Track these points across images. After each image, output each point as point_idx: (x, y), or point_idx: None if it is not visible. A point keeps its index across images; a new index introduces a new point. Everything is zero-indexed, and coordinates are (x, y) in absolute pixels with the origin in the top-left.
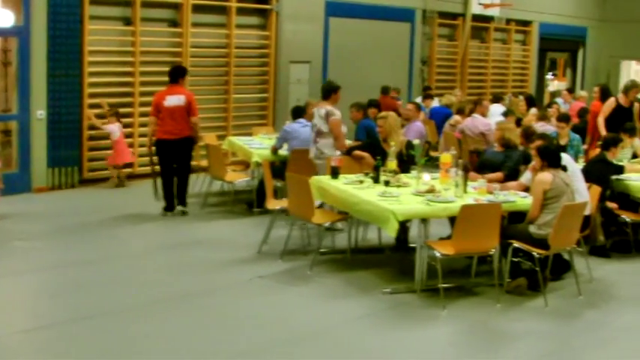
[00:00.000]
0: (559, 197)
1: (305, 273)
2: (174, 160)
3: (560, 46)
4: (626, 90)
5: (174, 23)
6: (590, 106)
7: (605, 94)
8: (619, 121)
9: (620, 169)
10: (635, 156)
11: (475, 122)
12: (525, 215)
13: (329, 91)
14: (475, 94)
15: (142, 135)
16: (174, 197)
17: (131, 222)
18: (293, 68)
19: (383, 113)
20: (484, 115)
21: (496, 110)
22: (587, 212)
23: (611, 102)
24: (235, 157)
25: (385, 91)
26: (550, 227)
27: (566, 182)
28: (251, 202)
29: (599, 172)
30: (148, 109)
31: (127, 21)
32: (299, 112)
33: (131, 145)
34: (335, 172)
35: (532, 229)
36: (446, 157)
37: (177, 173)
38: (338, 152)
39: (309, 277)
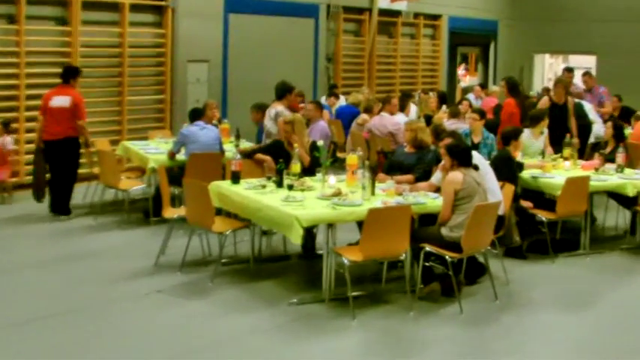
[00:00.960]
0: (471, 197)
1: (206, 285)
2: (58, 163)
3: (472, 40)
4: (554, 86)
5: (62, 21)
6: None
7: (512, 87)
8: (556, 119)
9: (520, 166)
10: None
11: (383, 121)
12: (437, 217)
13: (283, 91)
14: (384, 91)
15: (29, 141)
16: (59, 203)
17: (21, 233)
18: (191, 67)
19: (289, 117)
20: (393, 113)
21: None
22: (500, 212)
23: (544, 101)
24: (130, 163)
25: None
26: (462, 229)
27: (478, 181)
28: (147, 210)
29: (505, 168)
30: (35, 113)
31: (11, 19)
32: (197, 114)
33: (17, 152)
34: (235, 177)
35: (444, 231)
36: (352, 159)
37: (60, 177)
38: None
39: (210, 289)
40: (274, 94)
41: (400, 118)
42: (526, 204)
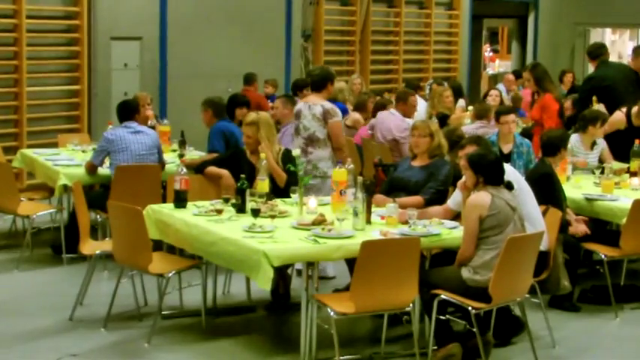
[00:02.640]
0: (502, 227)
1: (141, 346)
2: None
3: (503, 10)
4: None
5: None
6: (539, 98)
7: (542, 78)
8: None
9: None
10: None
11: (389, 122)
12: (455, 254)
13: (324, 80)
14: (381, 80)
15: None
16: None
17: None
18: (116, 48)
19: (252, 117)
20: (408, 115)
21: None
22: (543, 247)
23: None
24: (33, 179)
25: (249, 80)
26: (490, 270)
27: (512, 206)
28: (59, 244)
29: (547, 188)
30: None
31: None
32: (128, 112)
33: None
34: (180, 199)
35: (465, 273)
36: (340, 174)
37: None
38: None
39: (146, 352)
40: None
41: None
42: (577, 227)
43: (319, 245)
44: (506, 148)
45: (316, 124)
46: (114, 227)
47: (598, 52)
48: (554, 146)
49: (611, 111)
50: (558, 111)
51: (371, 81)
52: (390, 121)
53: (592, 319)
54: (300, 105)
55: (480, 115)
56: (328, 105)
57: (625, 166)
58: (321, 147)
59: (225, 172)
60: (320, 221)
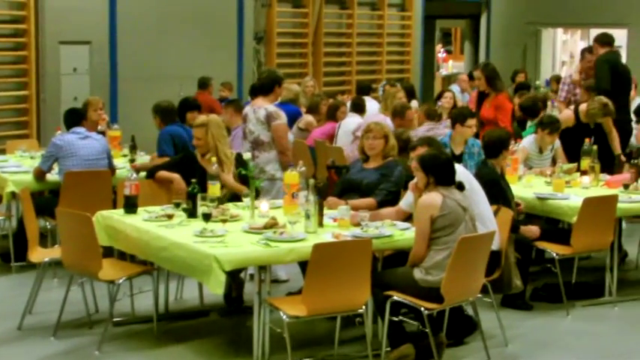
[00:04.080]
0: (453, 227)
1: (92, 354)
2: None
3: (455, 10)
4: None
5: None
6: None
7: (493, 77)
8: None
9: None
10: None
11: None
12: (407, 255)
13: (271, 83)
14: (334, 82)
15: None
16: None
17: None
18: (65, 52)
19: (201, 119)
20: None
21: (371, 107)
22: (495, 247)
23: (566, 114)
24: None
25: (204, 84)
26: (442, 270)
27: (463, 206)
28: (7, 252)
29: (494, 189)
30: None
31: None
32: (76, 118)
33: None
34: (130, 204)
35: (417, 274)
36: (292, 176)
37: None
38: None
39: (97, 359)
40: (255, 88)
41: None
42: (529, 231)
43: (271, 249)
44: (458, 150)
45: (260, 127)
46: (63, 234)
47: (608, 39)
48: (496, 147)
49: (619, 97)
50: (511, 111)
51: (324, 83)
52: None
53: (544, 317)
54: (247, 109)
55: (428, 116)
56: (272, 108)
57: (575, 164)
58: (266, 150)
59: (176, 176)
60: (272, 225)
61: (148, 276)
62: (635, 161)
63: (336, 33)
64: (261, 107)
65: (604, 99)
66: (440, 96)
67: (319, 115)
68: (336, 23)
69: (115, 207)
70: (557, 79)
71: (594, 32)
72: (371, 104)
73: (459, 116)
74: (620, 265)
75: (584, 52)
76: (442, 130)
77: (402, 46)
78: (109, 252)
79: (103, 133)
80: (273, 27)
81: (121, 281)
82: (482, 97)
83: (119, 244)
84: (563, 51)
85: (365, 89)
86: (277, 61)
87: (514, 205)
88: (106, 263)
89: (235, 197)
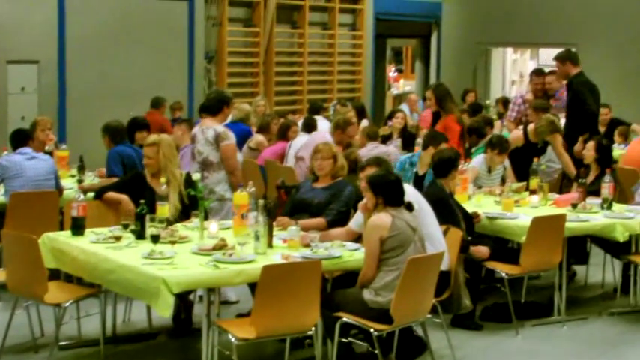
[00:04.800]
0: (403, 248)
1: None
2: None
3: (406, 30)
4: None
5: None
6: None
7: (444, 98)
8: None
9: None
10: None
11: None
12: (357, 276)
13: (219, 104)
14: (286, 102)
15: None
16: None
17: None
18: (13, 71)
19: (152, 138)
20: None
21: (322, 127)
22: (444, 267)
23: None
24: None
25: (156, 103)
26: (392, 291)
27: (413, 226)
28: None
29: (444, 209)
30: None
31: None
32: (23, 138)
33: None
34: (78, 226)
35: (367, 295)
36: (241, 197)
37: None
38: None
39: None
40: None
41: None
42: (479, 252)
43: (220, 270)
44: (422, 170)
45: (209, 148)
46: (8, 256)
47: (577, 58)
48: (445, 167)
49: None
50: (460, 133)
51: (275, 102)
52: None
53: (494, 337)
54: (195, 129)
55: (369, 137)
56: (220, 129)
57: (524, 184)
58: (215, 171)
59: (124, 197)
60: (221, 246)
61: (95, 298)
62: (583, 181)
63: (288, 52)
64: (209, 128)
65: (551, 117)
66: (391, 115)
67: (270, 135)
68: (288, 43)
69: (62, 229)
70: (503, 101)
71: (543, 52)
72: (322, 124)
73: (432, 140)
74: (569, 284)
75: (532, 74)
76: (385, 148)
77: (353, 65)
78: (55, 274)
79: (50, 153)
80: (224, 46)
81: (67, 304)
82: (436, 117)
83: (66, 266)
84: (513, 70)
85: (316, 109)
86: (228, 81)
87: (463, 225)
88: (52, 286)
89: (183, 217)
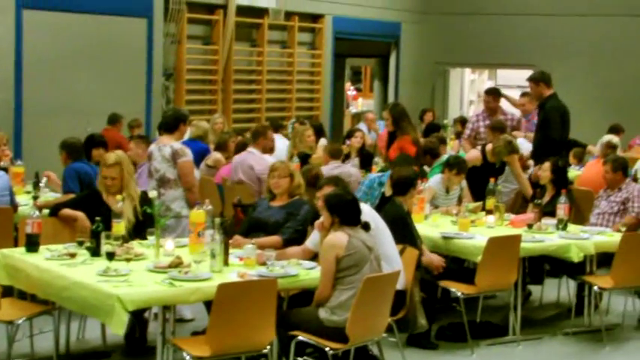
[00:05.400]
0: (359, 267)
1: None
2: None
3: (365, 49)
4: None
5: None
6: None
7: (400, 118)
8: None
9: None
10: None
11: (251, 160)
12: (313, 294)
13: (176, 121)
14: (244, 119)
15: None
16: None
17: None
18: None
19: (114, 157)
20: (267, 151)
21: (280, 145)
22: (400, 286)
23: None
24: None
25: (113, 120)
26: (347, 310)
27: (369, 245)
28: None
29: (401, 227)
30: None
31: None
32: None
33: None
34: (32, 243)
35: (323, 313)
36: (198, 215)
37: None
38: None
39: None
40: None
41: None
42: (431, 261)
43: (175, 288)
44: (389, 192)
45: (166, 165)
46: None
47: (550, 79)
48: (404, 185)
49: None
50: (415, 153)
51: (233, 120)
52: (251, 159)
53: (449, 356)
54: (152, 147)
55: (332, 155)
56: (177, 146)
57: (480, 204)
58: (172, 188)
59: (80, 214)
60: (177, 264)
61: (48, 316)
62: (539, 201)
63: (246, 70)
64: (166, 145)
65: (509, 137)
66: (350, 134)
67: (228, 153)
68: (246, 60)
69: (16, 245)
70: (461, 121)
71: (501, 72)
72: (280, 142)
73: (404, 162)
74: (524, 304)
75: (484, 93)
76: (349, 168)
77: (312, 83)
78: (8, 291)
79: (5, 169)
80: (182, 64)
81: (20, 321)
82: (392, 137)
83: (19, 283)
84: (471, 90)
85: (275, 127)
86: (186, 98)
87: (420, 244)
88: (4, 303)
89: (138, 235)
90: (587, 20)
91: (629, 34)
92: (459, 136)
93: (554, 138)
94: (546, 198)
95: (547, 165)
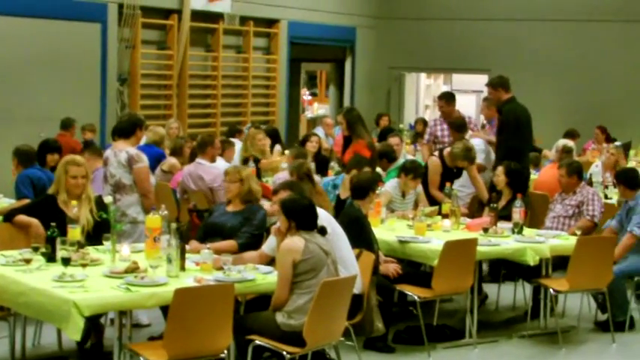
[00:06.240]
0: (316, 271)
1: None
2: None
3: (321, 54)
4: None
5: None
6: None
7: (354, 123)
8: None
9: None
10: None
11: (199, 171)
12: (270, 299)
13: (132, 127)
14: (199, 124)
15: None
16: None
17: None
18: None
19: (79, 159)
20: (214, 159)
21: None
22: (357, 290)
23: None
24: None
25: (66, 125)
26: (304, 314)
27: (326, 250)
28: None
29: (357, 232)
30: None
31: None
32: None
33: None
34: None
35: (280, 318)
36: (154, 220)
37: None
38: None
39: None
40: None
41: (222, 167)
42: (387, 269)
43: (132, 293)
44: (345, 194)
45: (122, 170)
46: None
47: (509, 83)
48: (363, 189)
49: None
50: (370, 157)
51: (189, 125)
52: (200, 170)
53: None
54: (108, 152)
55: (298, 157)
56: (133, 151)
57: (436, 208)
58: (128, 193)
59: (34, 220)
60: (133, 269)
61: (4, 322)
62: (495, 205)
63: (201, 75)
64: (122, 150)
65: (468, 143)
66: (305, 139)
67: (183, 158)
68: (201, 66)
69: None
70: (422, 122)
71: (457, 77)
72: (239, 147)
73: (356, 164)
74: (480, 307)
75: (439, 99)
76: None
77: (268, 88)
78: None
79: None
80: (137, 69)
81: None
82: (348, 141)
83: None
84: (427, 95)
85: (233, 132)
86: (141, 103)
87: (376, 248)
88: None
89: (95, 240)
90: (542, 25)
91: (584, 40)
92: (420, 135)
93: (512, 140)
94: (502, 202)
95: (500, 169)
